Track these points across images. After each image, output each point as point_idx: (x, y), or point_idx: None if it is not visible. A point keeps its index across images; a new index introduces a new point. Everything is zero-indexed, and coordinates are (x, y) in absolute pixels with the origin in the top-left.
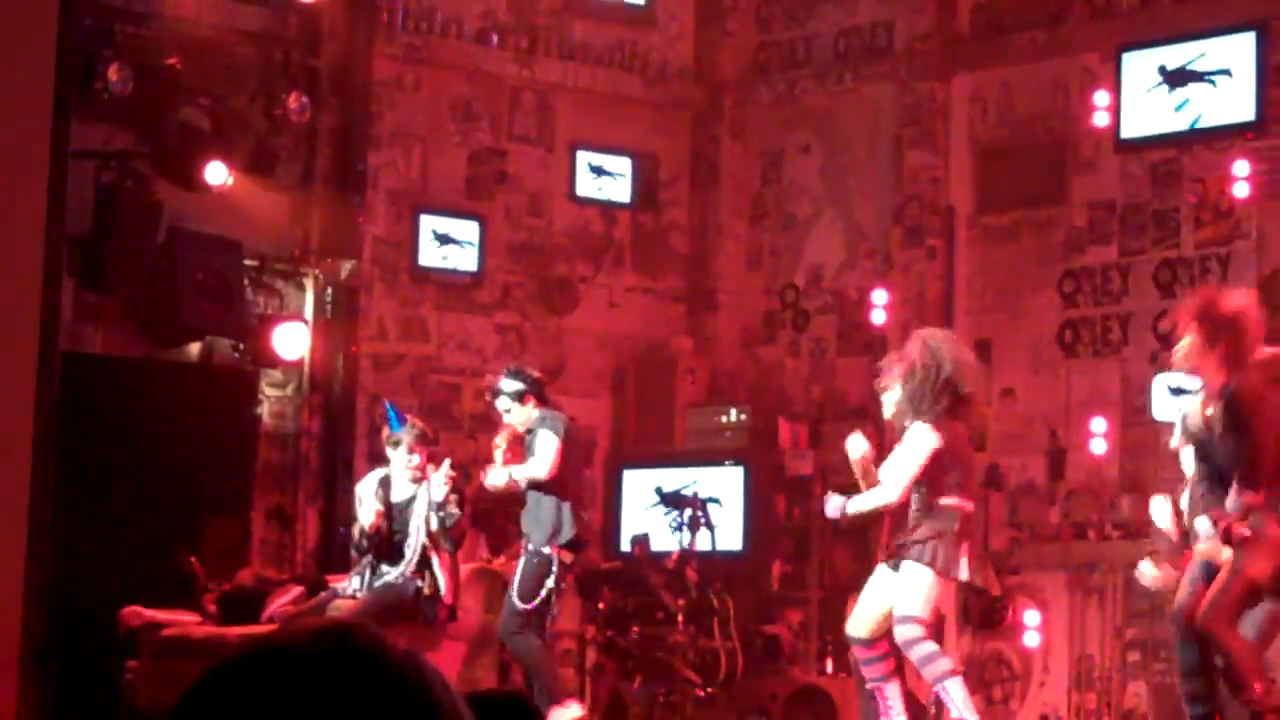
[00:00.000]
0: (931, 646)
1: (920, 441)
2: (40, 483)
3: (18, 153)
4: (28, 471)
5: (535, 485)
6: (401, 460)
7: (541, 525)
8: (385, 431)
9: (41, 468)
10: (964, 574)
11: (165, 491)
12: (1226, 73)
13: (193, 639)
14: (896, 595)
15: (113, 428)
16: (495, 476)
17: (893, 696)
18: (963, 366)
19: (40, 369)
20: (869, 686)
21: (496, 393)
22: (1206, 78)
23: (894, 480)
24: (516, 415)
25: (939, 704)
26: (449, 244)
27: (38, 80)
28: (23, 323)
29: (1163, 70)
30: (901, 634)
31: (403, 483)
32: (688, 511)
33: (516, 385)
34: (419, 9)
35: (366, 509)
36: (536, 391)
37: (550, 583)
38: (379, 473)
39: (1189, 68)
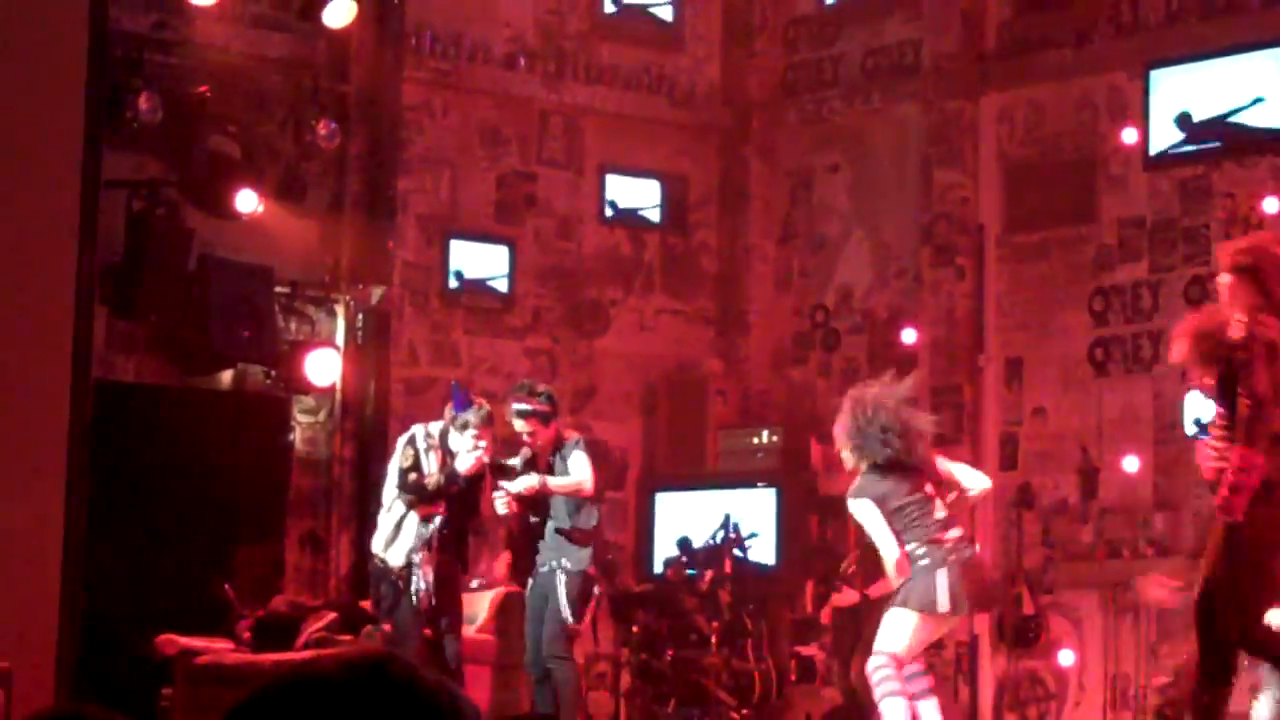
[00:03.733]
0: (889, 672)
1: (862, 511)
2: (74, 511)
3: (50, 182)
4: (62, 499)
5: (574, 505)
6: (467, 444)
7: (583, 545)
8: (448, 412)
9: (75, 496)
10: (943, 607)
11: (198, 519)
12: (1260, 100)
13: (227, 666)
14: (880, 631)
15: (145, 455)
16: (525, 481)
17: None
18: (896, 412)
19: (73, 397)
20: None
21: (520, 413)
22: (1232, 124)
23: (883, 544)
24: (540, 438)
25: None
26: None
27: (69, 110)
28: (56, 351)
29: (1186, 121)
30: (871, 663)
31: (464, 464)
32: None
33: (542, 408)
34: (447, 34)
35: (431, 460)
36: (557, 414)
37: (593, 602)
38: (433, 426)
39: (1215, 120)
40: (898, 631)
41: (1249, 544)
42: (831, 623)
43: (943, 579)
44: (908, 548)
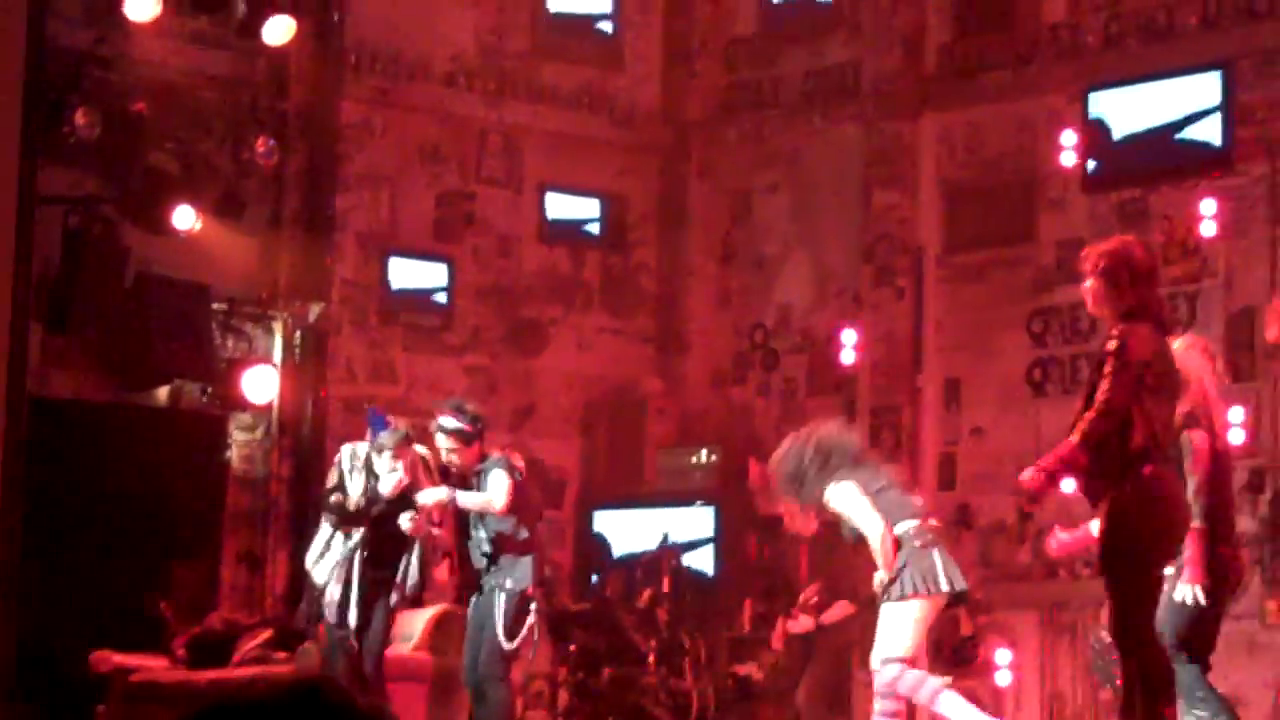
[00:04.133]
0: (914, 674)
1: (843, 495)
2: (8, 527)
3: None
4: None
5: (504, 527)
6: (385, 466)
7: (522, 564)
8: (368, 436)
9: (9, 512)
10: (945, 585)
11: (134, 535)
12: (1196, 118)
13: (162, 684)
14: (877, 640)
15: (81, 471)
16: (431, 494)
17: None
18: (823, 438)
19: (8, 413)
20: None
21: (443, 429)
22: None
23: (870, 527)
24: (462, 457)
25: None
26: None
27: (5, 125)
28: None
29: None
30: (881, 678)
31: (385, 486)
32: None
33: (464, 426)
34: (386, 52)
35: (356, 481)
36: (482, 434)
37: (530, 621)
38: (359, 447)
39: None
40: (900, 629)
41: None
42: (784, 648)
43: (938, 556)
44: (896, 530)
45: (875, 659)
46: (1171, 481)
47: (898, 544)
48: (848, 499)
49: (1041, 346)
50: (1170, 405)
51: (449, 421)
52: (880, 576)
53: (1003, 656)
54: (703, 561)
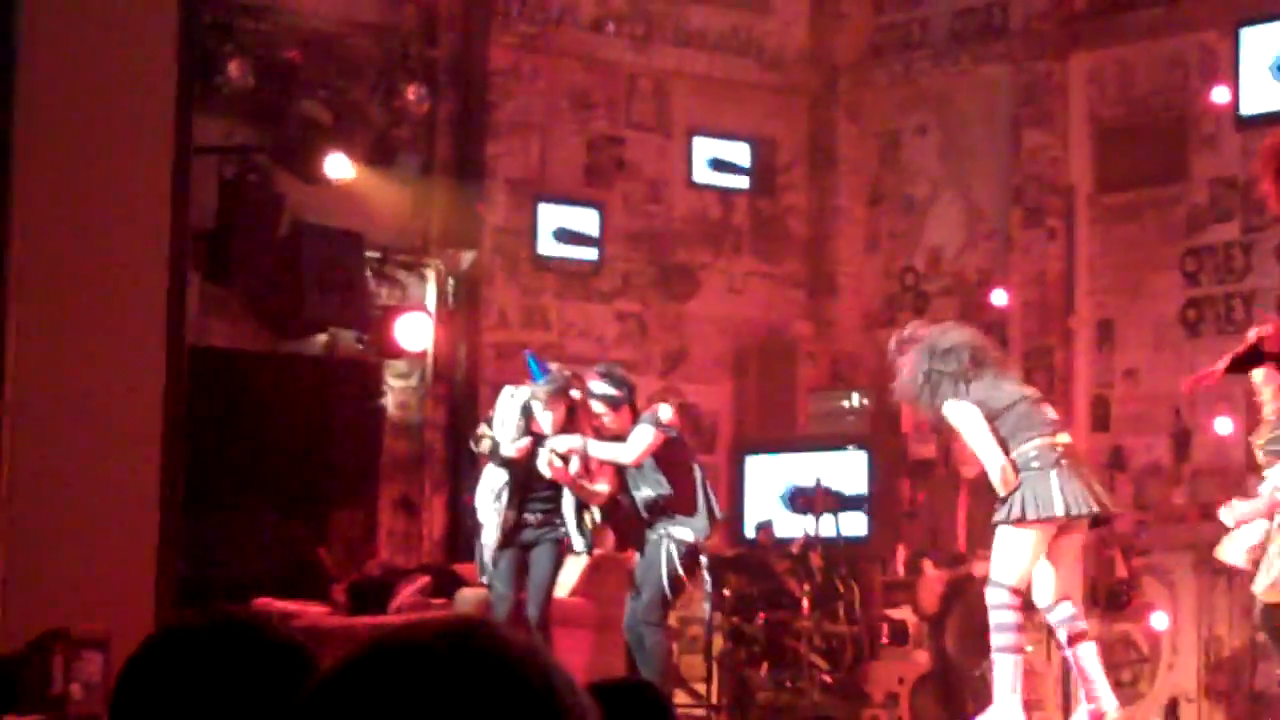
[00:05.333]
0: (1008, 616)
1: (962, 414)
2: (170, 476)
3: (142, 149)
4: (158, 465)
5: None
6: (544, 418)
7: (694, 518)
8: (529, 382)
9: (171, 461)
10: (1059, 509)
11: (292, 483)
12: None
13: (323, 630)
14: (991, 561)
15: (239, 420)
16: (564, 441)
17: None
18: (945, 342)
19: (168, 362)
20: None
21: (592, 394)
22: None
23: (986, 452)
24: (613, 422)
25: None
26: (569, 239)
27: (160, 77)
28: (150, 317)
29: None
30: (990, 595)
31: (509, 451)
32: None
33: (614, 391)
34: None
35: (508, 426)
36: (633, 400)
37: (700, 574)
38: (520, 391)
39: None
40: (1013, 554)
41: None
42: (933, 594)
43: (1055, 479)
44: (1016, 452)
45: (990, 579)
46: None
47: (1016, 466)
48: (967, 421)
49: (1195, 286)
50: None
51: (598, 386)
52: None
53: (1159, 600)
54: (855, 507)
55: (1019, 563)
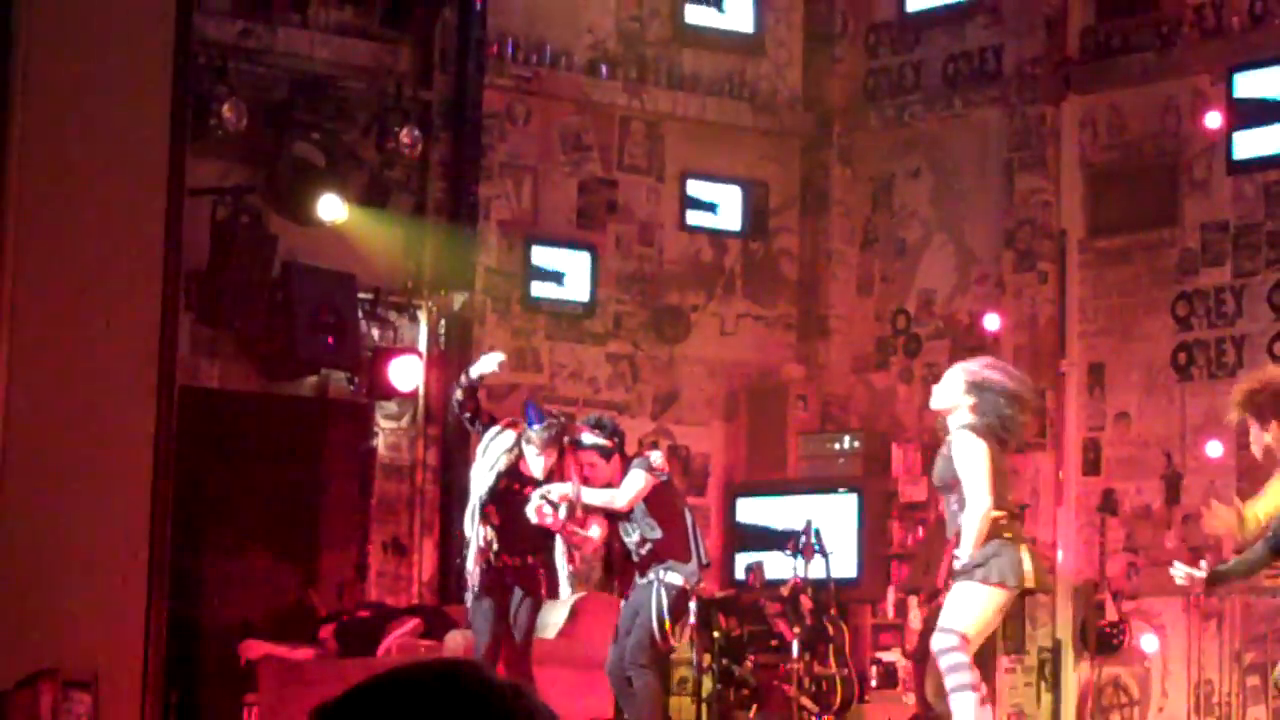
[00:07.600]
0: (960, 657)
1: (974, 451)
2: (159, 515)
3: (135, 189)
4: (147, 504)
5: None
6: (535, 464)
7: (683, 564)
8: (522, 429)
9: (161, 501)
10: (1029, 581)
11: (282, 524)
12: None
13: (309, 671)
14: (945, 609)
15: (229, 461)
16: (558, 488)
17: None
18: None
19: (159, 402)
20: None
21: (578, 443)
22: None
23: (978, 495)
24: (602, 470)
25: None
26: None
27: (154, 118)
28: (142, 356)
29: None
30: (939, 640)
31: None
32: (800, 539)
33: (603, 442)
34: (529, 41)
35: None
36: (623, 449)
37: (688, 621)
38: (507, 432)
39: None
40: (970, 607)
41: None
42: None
43: (1025, 553)
44: (995, 512)
45: (942, 625)
46: None
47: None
48: (974, 455)
49: (1186, 330)
50: None
51: (589, 438)
52: (964, 553)
53: (1149, 643)
54: (846, 548)
55: (981, 621)
